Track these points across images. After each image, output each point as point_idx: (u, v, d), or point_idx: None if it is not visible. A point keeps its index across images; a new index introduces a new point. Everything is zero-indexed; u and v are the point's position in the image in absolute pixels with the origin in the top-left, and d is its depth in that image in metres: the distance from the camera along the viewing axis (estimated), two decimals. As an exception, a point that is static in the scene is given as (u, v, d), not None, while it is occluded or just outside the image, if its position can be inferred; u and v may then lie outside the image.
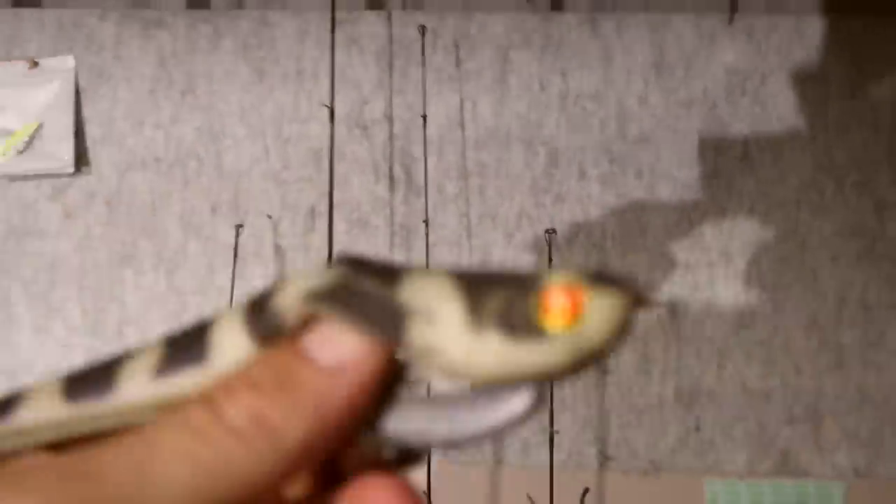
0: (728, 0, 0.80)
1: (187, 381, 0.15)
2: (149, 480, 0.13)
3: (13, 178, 0.87)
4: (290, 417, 0.14)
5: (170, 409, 0.15)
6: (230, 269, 0.77)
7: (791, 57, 0.81)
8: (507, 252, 0.80)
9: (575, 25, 0.82)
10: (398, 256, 0.82)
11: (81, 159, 0.86)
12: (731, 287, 0.78)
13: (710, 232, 0.79)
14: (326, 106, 0.69)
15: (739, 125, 0.80)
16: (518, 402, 0.14)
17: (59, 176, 0.86)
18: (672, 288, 0.78)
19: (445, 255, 0.80)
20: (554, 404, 0.71)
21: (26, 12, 0.87)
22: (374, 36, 0.83)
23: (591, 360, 0.14)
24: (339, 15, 0.84)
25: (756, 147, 0.79)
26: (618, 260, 0.79)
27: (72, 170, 0.86)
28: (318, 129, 0.83)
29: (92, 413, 0.16)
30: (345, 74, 0.83)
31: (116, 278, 0.84)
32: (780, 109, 0.80)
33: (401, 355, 0.15)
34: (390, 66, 0.83)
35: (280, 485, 0.14)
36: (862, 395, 0.76)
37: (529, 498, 0.75)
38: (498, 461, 0.78)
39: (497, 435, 0.15)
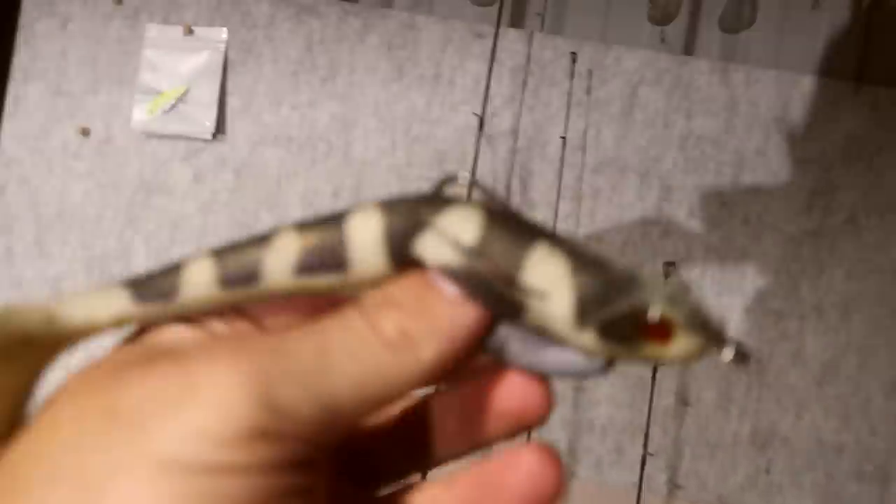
0: (856, 68, 0.84)
1: (325, 281, 0.18)
2: (326, 366, 0.16)
3: (152, 136, 0.93)
4: (428, 336, 0.16)
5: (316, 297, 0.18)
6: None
7: (909, 132, 0.84)
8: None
9: (706, 71, 0.86)
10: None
11: (219, 127, 0.92)
12: (820, 341, 0.81)
13: (806, 286, 0.82)
14: (476, 115, 0.74)
15: (850, 190, 0.83)
16: (591, 366, 0.18)
17: (195, 140, 0.92)
18: (762, 334, 0.82)
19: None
20: (649, 429, 0.75)
21: (189, -18, 0.93)
22: (512, 53, 0.88)
23: (655, 363, 0.18)
24: (482, 28, 0.88)
25: (863, 212, 0.83)
26: (714, 300, 0.83)
27: (210, 136, 0.91)
28: (445, 133, 0.88)
29: (242, 296, 0.18)
30: (479, 85, 0.88)
31: (234, 242, 0.89)
32: (891, 179, 0.83)
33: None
34: (524, 83, 0.87)
35: (413, 391, 0.17)
36: (932, 465, 0.79)
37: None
38: (572, 476, 0.82)
39: (564, 379, 0.18)
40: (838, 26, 0.86)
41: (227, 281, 0.18)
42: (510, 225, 0.17)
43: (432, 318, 0.17)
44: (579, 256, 0.17)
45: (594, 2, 0.90)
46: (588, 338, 0.17)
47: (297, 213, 0.89)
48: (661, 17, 0.85)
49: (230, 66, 0.92)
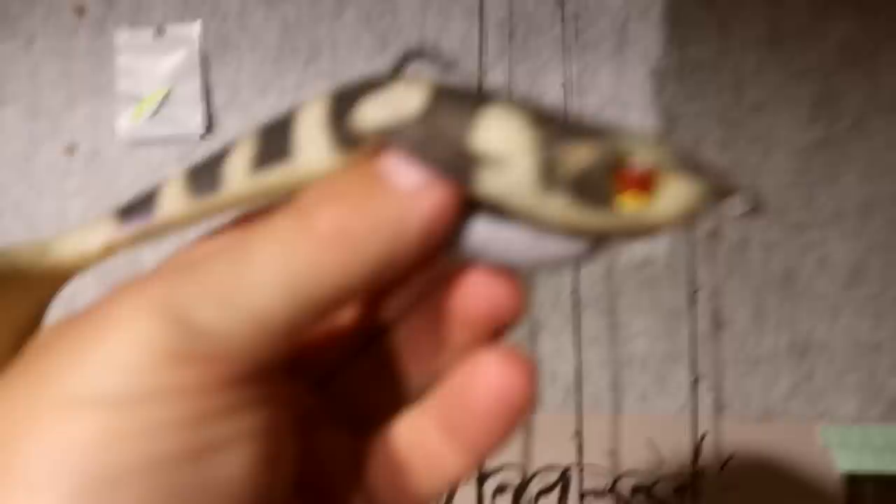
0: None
1: (276, 176, 0.17)
2: (246, 275, 0.14)
3: (141, 143, 0.90)
4: (373, 231, 0.14)
5: (268, 203, 0.17)
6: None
7: (898, 27, 0.84)
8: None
9: (692, -4, 0.85)
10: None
11: (208, 124, 0.89)
12: (843, 246, 0.82)
13: (823, 195, 0.83)
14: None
15: (852, 95, 0.84)
16: (571, 247, 0.15)
17: (186, 140, 0.89)
18: (786, 247, 0.82)
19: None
20: (697, 353, 0.75)
21: (152, -19, 0.90)
22: (494, 6, 0.86)
23: (650, 235, 0.15)
24: (463, -15, 0.86)
25: (868, 115, 0.83)
26: (734, 221, 0.83)
27: (200, 134, 0.89)
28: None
29: (210, 206, 0.18)
30: (465, 45, 0.86)
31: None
32: (891, 79, 0.84)
33: (468, 193, 0.15)
34: (510, 35, 0.86)
35: (362, 293, 0.15)
36: (967, 348, 0.80)
37: (650, 443, 0.80)
38: (617, 410, 0.83)
39: (547, 269, 0.16)
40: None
41: (194, 190, 0.18)
42: (461, 92, 0.15)
43: (379, 211, 0.14)
44: (539, 112, 0.15)
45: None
46: (557, 204, 0.14)
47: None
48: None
49: (208, 60, 0.89)
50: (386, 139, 0.15)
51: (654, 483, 0.79)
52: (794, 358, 0.82)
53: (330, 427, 0.19)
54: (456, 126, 0.15)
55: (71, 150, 0.89)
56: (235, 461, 0.14)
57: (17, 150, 0.89)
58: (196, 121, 0.88)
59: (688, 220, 0.14)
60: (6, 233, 0.89)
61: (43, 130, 0.89)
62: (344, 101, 0.16)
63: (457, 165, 0.14)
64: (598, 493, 0.80)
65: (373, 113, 0.15)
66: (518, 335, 0.81)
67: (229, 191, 0.17)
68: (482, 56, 0.77)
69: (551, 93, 0.84)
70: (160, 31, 0.89)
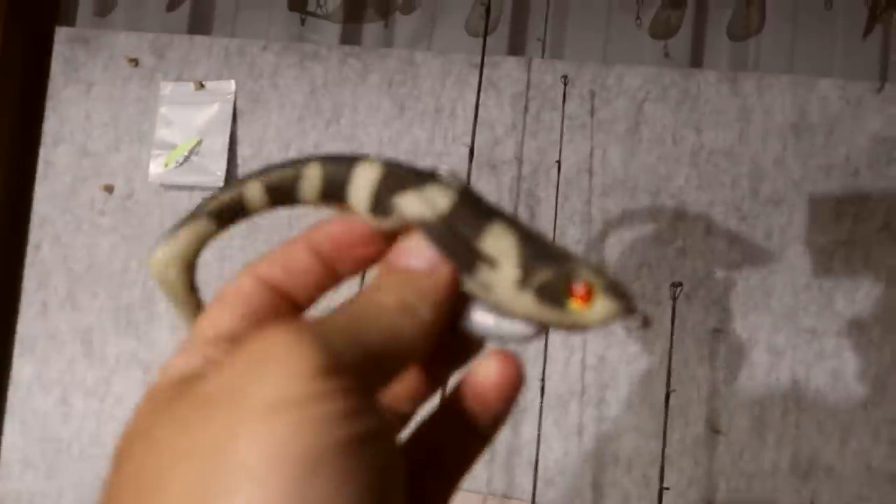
0: (878, 68, 0.79)
1: (332, 205, 0.24)
2: (359, 327, 0.20)
3: (169, 187, 0.96)
4: (420, 300, 0.21)
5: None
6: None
7: (943, 128, 0.78)
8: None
9: (714, 82, 0.82)
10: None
11: (230, 175, 0.94)
12: (862, 359, 0.75)
13: (841, 300, 0.77)
14: (466, 145, 0.73)
15: (882, 195, 0.78)
16: (528, 330, 0.22)
17: (210, 188, 0.95)
18: (795, 354, 0.76)
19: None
20: (665, 461, 0.71)
21: (198, 39, 0.97)
22: (512, 80, 0.87)
23: (582, 330, 0.21)
24: (479, 59, 0.88)
25: (898, 218, 0.77)
26: (740, 319, 0.78)
27: (221, 184, 0.94)
28: (448, 165, 0.88)
29: (282, 206, 0.25)
30: (481, 115, 0.87)
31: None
32: (927, 181, 0.77)
33: (465, 283, 0.22)
34: (525, 109, 0.86)
35: (424, 351, 0.22)
36: None
37: (629, 549, 0.75)
38: (598, 507, 0.78)
39: (510, 343, 0.22)
40: (854, 25, 0.81)
41: (274, 198, 0.25)
42: (478, 203, 0.22)
43: (418, 286, 0.22)
44: (528, 236, 0.22)
45: (593, 22, 0.88)
46: (526, 299, 0.21)
47: (310, 254, 0.90)
48: (662, 31, 0.83)
49: (239, 115, 0.95)
50: (416, 225, 0.22)
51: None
52: (797, 478, 0.75)
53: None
54: (471, 230, 0.22)
55: (109, 189, 0.96)
56: (383, 450, 0.19)
57: (64, 187, 0.97)
58: (219, 171, 0.94)
59: (608, 324, 0.21)
60: (43, 263, 0.97)
61: (87, 170, 0.97)
62: (391, 178, 0.23)
63: (464, 258, 0.22)
64: None
65: (412, 205, 0.22)
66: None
67: (300, 202, 0.25)
68: (475, 128, 0.78)
69: (564, 166, 0.83)
70: (200, 86, 0.96)
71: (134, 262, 0.96)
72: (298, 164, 0.24)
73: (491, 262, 0.21)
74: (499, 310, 0.22)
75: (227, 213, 0.25)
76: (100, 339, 0.96)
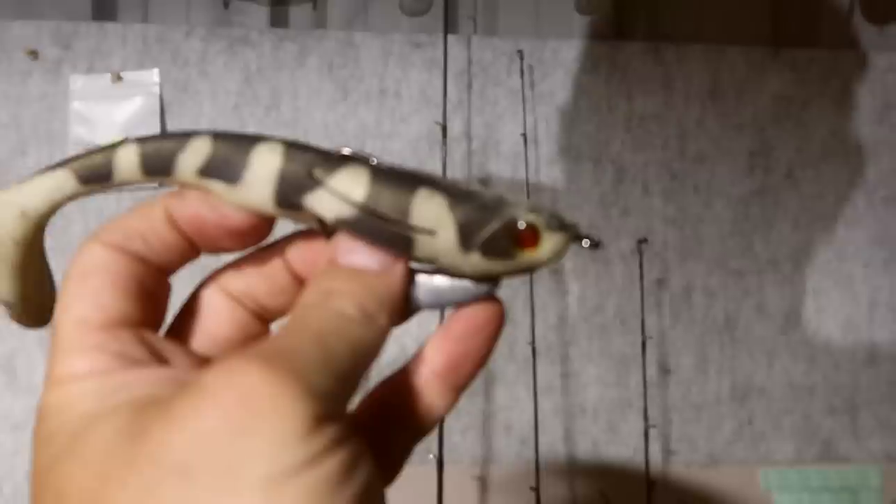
0: (771, 34, 0.89)
1: (217, 188, 0.21)
2: (327, 348, 0.19)
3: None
4: (378, 305, 0.20)
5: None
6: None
7: (828, 86, 0.90)
8: (577, 259, 0.87)
9: (639, 52, 0.89)
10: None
11: (165, 171, 0.89)
12: (778, 292, 0.87)
13: (759, 243, 0.87)
14: (438, 123, 0.75)
15: (784, 147, 0.89)
16: (482, 288, 0.22)
17: (141, 189, 0.89)
18: (727, 293, 0.87)
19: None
20: (647, 401, 0.78)
21: (109, 26, 0.89)
22: (452, 58, 0.89)
23: (535, 271, 0.22)
24: (420, 38, 0.89)
25: (799, 167, 0.89)
26: (677, 268, 0.87)
27: (155, 183, 0.88)
28: (399, 146, 0.89)
29: (158, 182, 0.23)
30: (425, 95, 0.88)
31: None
32: (819, 132, 0.89)
33: (411, 259, 0.21)
34: (469, 86, 0.89)
35: (382, 346, 0.21)
36: (893, 388, 0.86)
37: (603, 494, 0.83)
38: (572, 458, 0.85)
39: (465, 304, 0.22)
40: (751, -4, 0.91)
41: (149, 170, 0.22)
42: (393, 177, 0.21)
43: (374, 290, 0.20)
44: (455, 193, 0.21)
45: (523, 1, 0.92)
46: (474, 259, 0.21)
47: (261, 246, 0.88)
48: (590, 8, 0.88)
49: (167, 107, 0.89)
50: (338, 226, 0.21)
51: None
52: (736, 403, 0.86)
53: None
54: (397, 209, 0.20)
55: (23, 196, 0.87)
56: (366, 470, 0.18)
57: (-33, 197, 0.87)
58: (153, 167, 0.88)
59: (562, 257, 0.21)
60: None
61: (-7, 176, 0.87)
62: (296, 172, 0.21)
63: (397, 240, 0.20)
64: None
65: (327, 203, 0.21)
66: (474, 386, 0.83)
67: (177, 179, 0.22)
68: (445, 105, 0.80)
69: (508, 141, 0.87)
70: (118, 78, 0.89)
71: (61, 275, 0.88)
72: (188, 136, 0.22)
73: (428, 233, 0.20)
74: (448, 275, 0.21)
75: (93, 175, 0.22)
76: (25, 365, 0.89)
